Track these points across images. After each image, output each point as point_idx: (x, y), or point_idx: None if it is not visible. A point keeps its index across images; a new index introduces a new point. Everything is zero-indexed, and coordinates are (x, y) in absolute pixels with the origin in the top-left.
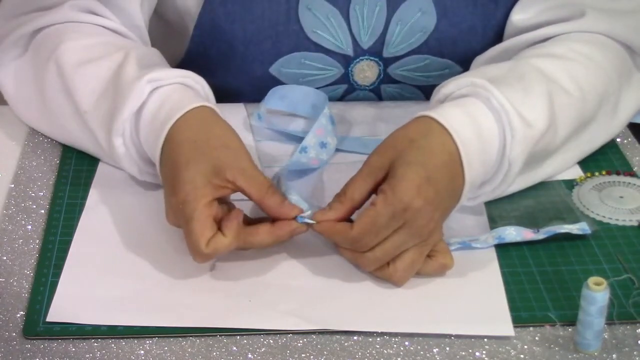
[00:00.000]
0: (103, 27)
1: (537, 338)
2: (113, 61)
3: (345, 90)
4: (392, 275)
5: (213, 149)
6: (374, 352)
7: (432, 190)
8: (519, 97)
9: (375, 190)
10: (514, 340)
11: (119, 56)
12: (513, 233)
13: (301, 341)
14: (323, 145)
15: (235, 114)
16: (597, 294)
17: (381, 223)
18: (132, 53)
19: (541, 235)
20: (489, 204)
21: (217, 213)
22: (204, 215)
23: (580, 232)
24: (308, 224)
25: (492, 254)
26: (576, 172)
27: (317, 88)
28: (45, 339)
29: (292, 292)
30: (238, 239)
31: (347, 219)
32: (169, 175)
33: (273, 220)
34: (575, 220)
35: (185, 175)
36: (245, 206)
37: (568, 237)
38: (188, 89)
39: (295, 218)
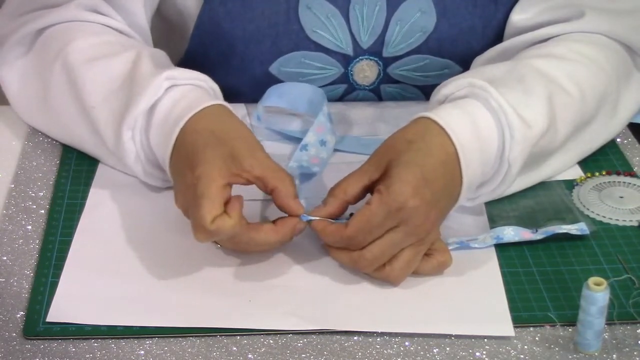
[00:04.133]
0: (108, 26)
1: (537, 338)
2: (125, 58)
3: (345, 90)
4: (389, 274)
5: (231, 139)
6: (374, 352)
7: (428, 190)
8: (518, 97)
9: (369, 189)
10: (514, 340)
11: (131, 54)
12: (511, 233)
13: (301, 341)
14: (322, 143)
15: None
16: (597, 294)
17: (375, 222)
18: (144, 52)
19: (539, 235)
20: (488, 204)
21: (226, 199)
22: (216, 195)
23: (578, 233)
24: (309, 221)
25: (492, 253)
26: (576, 172)
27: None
28: (45, 339)
29: (292, 292)
30: (242, 223)
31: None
32: (186, 157)
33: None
34: (574, 221)
35: (205, 155)
36: (249, 209)
37: (568, 237)
38: (202, 90)
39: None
